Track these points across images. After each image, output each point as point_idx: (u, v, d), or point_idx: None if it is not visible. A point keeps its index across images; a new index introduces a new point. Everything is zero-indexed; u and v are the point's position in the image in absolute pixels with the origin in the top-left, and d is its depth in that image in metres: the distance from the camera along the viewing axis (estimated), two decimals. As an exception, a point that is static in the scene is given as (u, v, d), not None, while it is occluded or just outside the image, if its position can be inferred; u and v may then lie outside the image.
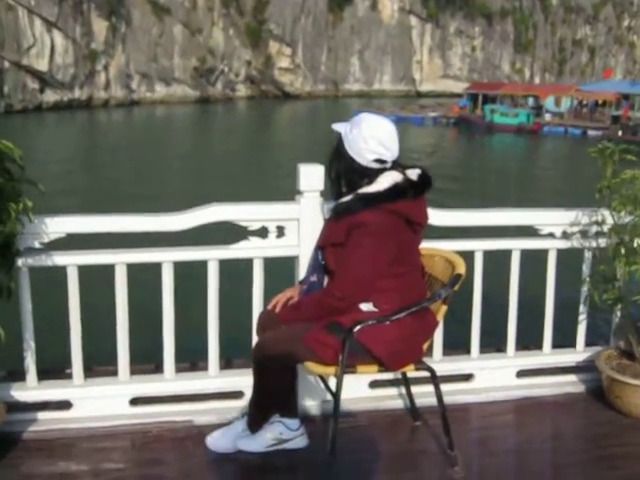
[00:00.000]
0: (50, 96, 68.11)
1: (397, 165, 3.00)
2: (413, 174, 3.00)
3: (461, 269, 3.12)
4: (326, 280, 3.09)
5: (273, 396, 3.14)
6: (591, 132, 48.23)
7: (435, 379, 3.11)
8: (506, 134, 48.16)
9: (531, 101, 57.11)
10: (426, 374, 3.08)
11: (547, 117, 53.22)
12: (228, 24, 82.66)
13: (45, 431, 3.40)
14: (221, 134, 47.58)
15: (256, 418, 3.23)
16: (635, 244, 3.60)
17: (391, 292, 2.97)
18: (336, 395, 2.94)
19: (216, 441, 3.29)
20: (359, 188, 2.97)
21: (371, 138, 2.91)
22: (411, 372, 3.18)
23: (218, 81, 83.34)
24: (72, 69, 70.01)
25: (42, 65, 67.43)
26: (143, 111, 66.59)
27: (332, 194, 3.12)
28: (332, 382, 3.45)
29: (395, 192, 2.91)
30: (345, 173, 3.01)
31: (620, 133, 42.70)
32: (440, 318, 3.16)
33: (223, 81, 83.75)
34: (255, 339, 3.30)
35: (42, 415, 3.48)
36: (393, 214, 2.90)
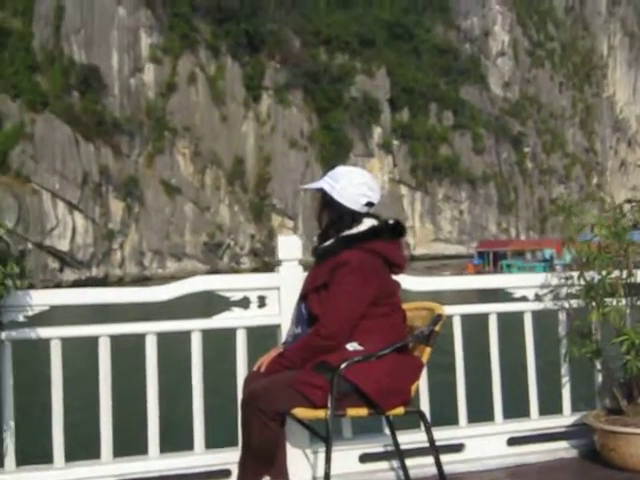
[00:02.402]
0: (69, 275, 69.15)
1: (376, 216, 3.12)
2: (389, 220, 3.10)
3: (440, 310, 3.07)
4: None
5: (262, 452, 2.94)
6: None
7: (426, 423, 2.96)
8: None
9: (529, 256, 57.63)
10: (418, 441, 2.89)
11: (558, 268, 53.59)
12: (233, 201, 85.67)
13: None
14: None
15: (246, 479, 3.00)
16: (605, 285, 3.52)
17: (375, 333, 2.92)
18: (327, 439, 2.78)
19: None
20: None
21: (360, 184, 3.05)
22: (398, 413, 2.98)
23: (225, 255, 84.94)
24: (91, 248, 71.59)
25: (63, 245, 69.10)
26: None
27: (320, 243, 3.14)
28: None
29: (372, 233, 3.00)
30: (337, 220, 3.06)
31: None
32: (425, 360, 3.05)
33: (229, 254, 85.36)
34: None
35: None
36: (372, 253, 2.96)
